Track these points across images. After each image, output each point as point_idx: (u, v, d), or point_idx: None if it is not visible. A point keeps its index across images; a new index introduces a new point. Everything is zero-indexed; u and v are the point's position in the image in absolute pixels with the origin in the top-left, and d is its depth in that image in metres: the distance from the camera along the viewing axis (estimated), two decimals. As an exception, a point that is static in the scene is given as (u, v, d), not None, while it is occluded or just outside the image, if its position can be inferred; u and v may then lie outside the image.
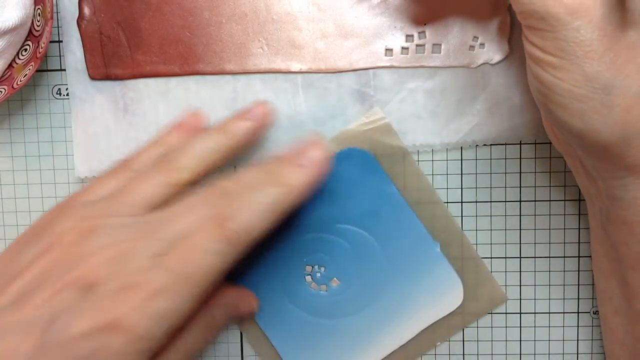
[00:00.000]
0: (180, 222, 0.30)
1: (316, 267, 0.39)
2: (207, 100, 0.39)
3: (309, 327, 0.39)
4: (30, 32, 0.36)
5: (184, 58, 0.38)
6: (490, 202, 0.39)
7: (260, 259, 0.39)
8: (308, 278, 0.39)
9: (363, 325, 0.39)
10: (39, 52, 0.36)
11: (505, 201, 0.39)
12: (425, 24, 0.37)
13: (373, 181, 0.38)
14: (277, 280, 0.39)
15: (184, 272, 0.29)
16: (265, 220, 0.30)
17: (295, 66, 0.38)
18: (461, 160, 0.39)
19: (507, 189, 0.39)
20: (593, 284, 0.39)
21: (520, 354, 0.40)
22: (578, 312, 0.40)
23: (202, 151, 0.33)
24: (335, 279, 0.39)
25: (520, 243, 0.39)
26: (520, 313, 0.40)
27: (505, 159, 0.39)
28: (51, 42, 0.39)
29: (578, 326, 0.40)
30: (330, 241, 0.39)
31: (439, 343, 0.40)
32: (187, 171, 0.32)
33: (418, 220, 0.39)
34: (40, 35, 0.36)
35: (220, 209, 0.30)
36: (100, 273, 0.28)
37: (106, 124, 0.39)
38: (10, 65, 0.36)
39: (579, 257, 0.39)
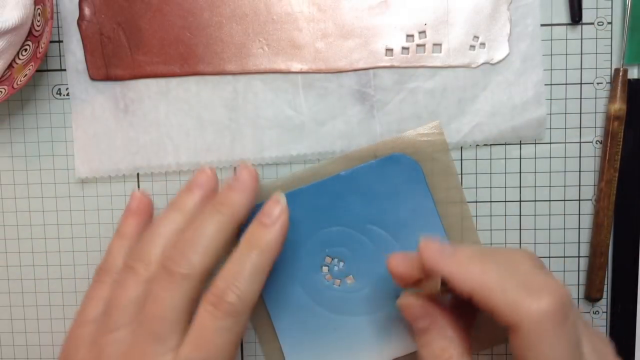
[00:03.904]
0: None
1: (336, 260, 0.39)
2: (208, 101, 0.39)
3: (312, 315, 0.39)
4: (30, 32, 0.36)
5: (184, 58, 0.38)
6: (490, 202, 0.39)
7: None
8: (325, 269, 0.39)
9: (365, 328, 0.39)
10: (39, 52, 0.36)
11: (505, 201, 0.39)
12: (425, 24, 0.38)
13: (414, 192, 0.38)
14: (294, 262, 0.39)
15: (203, 358, 0.31)
16: (253, 283, 0.32)
17: (295, 66, 0.38)
18: (461, 160, 0.39)
19: (507, 189, 0.39)
20: (593, 284, 0.39)
21: None
22: (578, 312, 0.40)
23: (207, 240, 0.33)
24: (351, 276, 0.39)
25: (520, 243, 0.39)
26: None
27: (505, 159, 0.39)
28: (51, 42, 0.39)
29: (578, 326, 0.40)
30: (357, 238, 0.39)
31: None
32: (197, 267, 0.33)
33: (447, 241, 0.39)
34: (40, 36, 0.36)
35: (213, 288, 0.32)
36: None
37: (107, 125, 0.39)
38: (10, 65, 0.36)
39: (578, 257, 0.39)
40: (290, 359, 0.39)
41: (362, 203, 0.38)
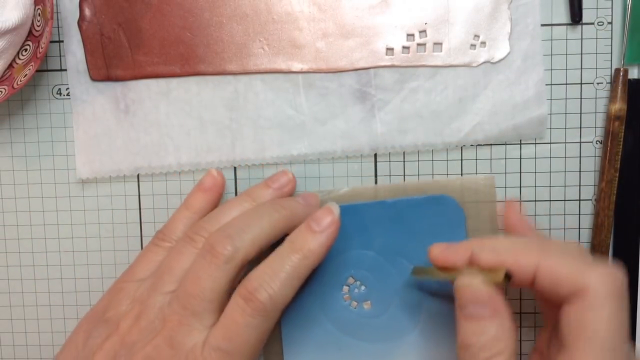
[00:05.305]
0: None
1: (358, 282, 0.39)
2: (208, 101, 0.39)
3: (320, 330, 0.39)
4: (30, 32, 0.36)
5: (184, 58, 0.38)
6: (491, 202, 0.39)
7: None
8: (345, 289, 0.39)
9: (370, 356, 0.39)
10: (39, 52, 0.36)
11: (506, 201, 0.39)
12: (426, 23, 0.38)
13: (452, 237, 0.38)
14: (316, 275, 0.38)
15: (230, 349, 0.32)
16: (288, 286, 0.33)
17: (296, 66, 0.38)
18: (461, 160, 0.39)
19: (507, 189, 0.39)
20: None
21: (520, 355, 0.40)
22: (578, 312, 0.40)
23: (257, 232, 0.34)
24: (369, 301, 0.39)
25: (520, 243, 0.39)
26: (521, 313, 0.40)
27: (505, 158, 0.39)
28: (51, 42, 0.39)
29: (579, 326, 0.40)
30: (384, 267, 0.38)
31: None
32: (241, 253, 0.33)
33: None
34: (41, 36, 0.36)
35: (247, 282, 0.33)
36: None
37: (107, 125, 0.39)
38: (10, 65, 0.36)
39: (579, 257, 0.39)
40: None
41: (398, 234, 0.38)
